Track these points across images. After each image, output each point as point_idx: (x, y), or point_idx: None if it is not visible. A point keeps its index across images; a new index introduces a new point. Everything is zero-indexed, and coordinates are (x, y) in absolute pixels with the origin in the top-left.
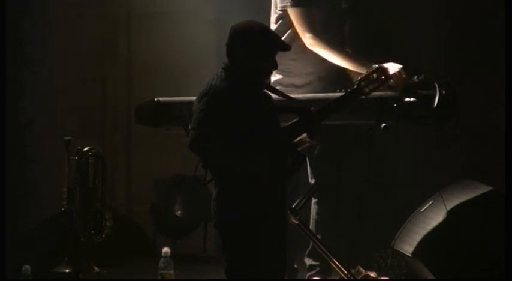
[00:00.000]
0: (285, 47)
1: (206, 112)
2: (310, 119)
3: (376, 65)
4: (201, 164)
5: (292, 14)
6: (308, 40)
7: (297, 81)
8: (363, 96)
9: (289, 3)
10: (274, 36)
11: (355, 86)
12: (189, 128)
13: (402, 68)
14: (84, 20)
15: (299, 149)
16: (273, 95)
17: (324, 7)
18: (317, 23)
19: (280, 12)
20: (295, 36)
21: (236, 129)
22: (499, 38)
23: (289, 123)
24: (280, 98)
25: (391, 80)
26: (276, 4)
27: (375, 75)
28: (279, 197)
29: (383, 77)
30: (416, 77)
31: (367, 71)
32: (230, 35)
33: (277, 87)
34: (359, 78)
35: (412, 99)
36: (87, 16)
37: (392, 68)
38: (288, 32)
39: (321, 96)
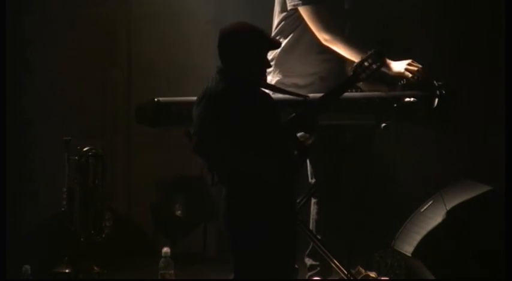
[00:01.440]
0: (274, 44)
1: (205, 115)
2: (310, 108)
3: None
4: (206, 167)
5: (305, 12)
6: (325, 36)
7: (299, 81)
8: (360, 82)
9: (300, 2)
10: (262, 34)
11: (351, 73)
12: (191, 133)
13: (411, 61)
14: (84, 20)
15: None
16: (271, 91)
17: (330, 7)
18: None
19: (285, 12)
20: (300, 36)
21: (237, 130)
22: (499, 37)
23: (289, 117)
24: (279, 94)
25: (405, 80)
26: (281, 4)
27: (369, 60)
28: (287, 195)
29: (378, 62)
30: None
31: (362, 57)
32: (219, 37)
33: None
34: (355, 64)
35: (412, 99)
36: (87, 16)
37: (398, 66)
38: (292, 34)
39: None
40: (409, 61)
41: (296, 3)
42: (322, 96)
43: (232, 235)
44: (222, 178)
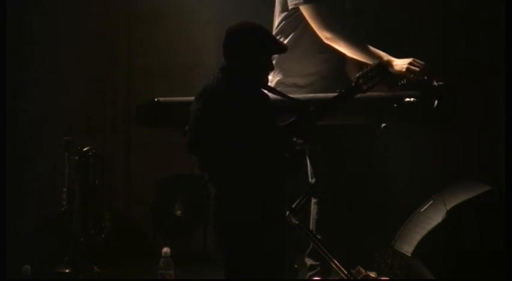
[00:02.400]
0: (280, 48)
1: (202, 113)
2: (308, 117)
3: (376, 62)
4: (197, 165)
5: (306, 10)
6: (326, 34)
7: (300, 81)
8: (362, 93)
9: (301, 0)
10: (268, 36)
11: (353, 84)
12: (187, 129)
13: (413, 59)
14: (84, 20)
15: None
16: (271, 94)
17: (331, 6)
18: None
19: (286, 12)
20: (301, 36)
21: (233, 130)
22: (499, 37)
23: (287, 122)
24: (279, 97)
25: (405, 80)
26: (281, 4)
27: (372, 72)
28: (278, 197)
29: (382, 74)
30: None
31: (366, 68)
32: (225, 35)
33: (280, 88)
34: (357, 75)
35: (412, 99)
36: (87, 16)
37: (399, 65)
38: (292, 33)
39: (322, 96)
40: (410, 60)
41: (297, 2)
42: (322, 104)
43: (221, 236)
44: (213, 177)
